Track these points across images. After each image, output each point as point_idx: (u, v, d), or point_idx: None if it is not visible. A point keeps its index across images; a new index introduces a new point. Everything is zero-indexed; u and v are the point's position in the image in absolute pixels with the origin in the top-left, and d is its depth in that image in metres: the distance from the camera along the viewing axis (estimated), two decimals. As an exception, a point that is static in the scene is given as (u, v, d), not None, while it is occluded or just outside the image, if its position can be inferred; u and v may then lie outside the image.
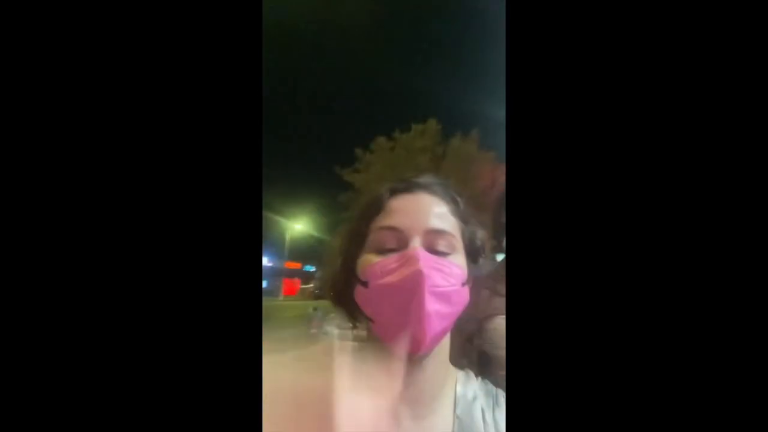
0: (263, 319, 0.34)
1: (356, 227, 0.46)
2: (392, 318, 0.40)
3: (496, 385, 0.48)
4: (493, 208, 0.79)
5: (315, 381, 0.36)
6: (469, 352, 0.66)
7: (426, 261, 0.39)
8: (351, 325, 0.49)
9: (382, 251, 0.42)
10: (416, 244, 0.41)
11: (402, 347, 0.40)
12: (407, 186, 0.46)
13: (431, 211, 0.44)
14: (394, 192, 0.46)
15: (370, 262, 0.42)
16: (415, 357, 0.41)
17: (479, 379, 0.49)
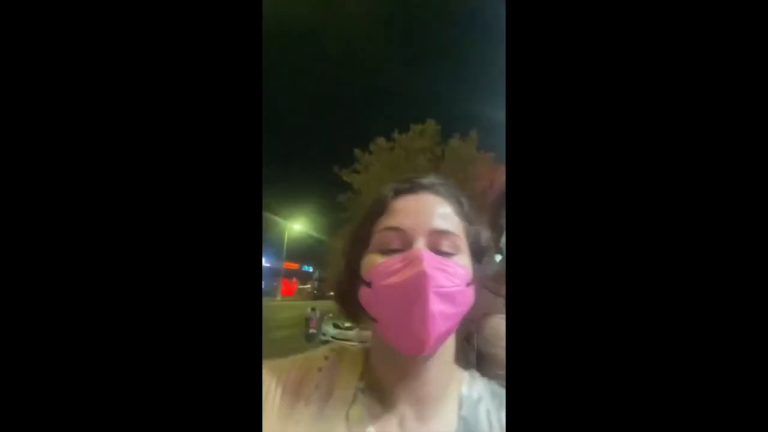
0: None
1: (360, 228, 0.46)
2: (396, 318, 0.40)
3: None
4: (491, 209, 0.79)
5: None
6: (467, 352, 0.66)
7: (430, 261, 0.39)
8: (351, 325, 0.48)
9: (386, 252, 0.42)
10: (420, 244, 0.41)
11: (406, 348, 0.40)
12: (411, 186, 0.46)
13: (435, 212, 0.43)
14: (398, 192, 0.46)
15: (374, 262, 0.42)
16: (419, 358, 0.41)
17: (485, 379, 0.48)
